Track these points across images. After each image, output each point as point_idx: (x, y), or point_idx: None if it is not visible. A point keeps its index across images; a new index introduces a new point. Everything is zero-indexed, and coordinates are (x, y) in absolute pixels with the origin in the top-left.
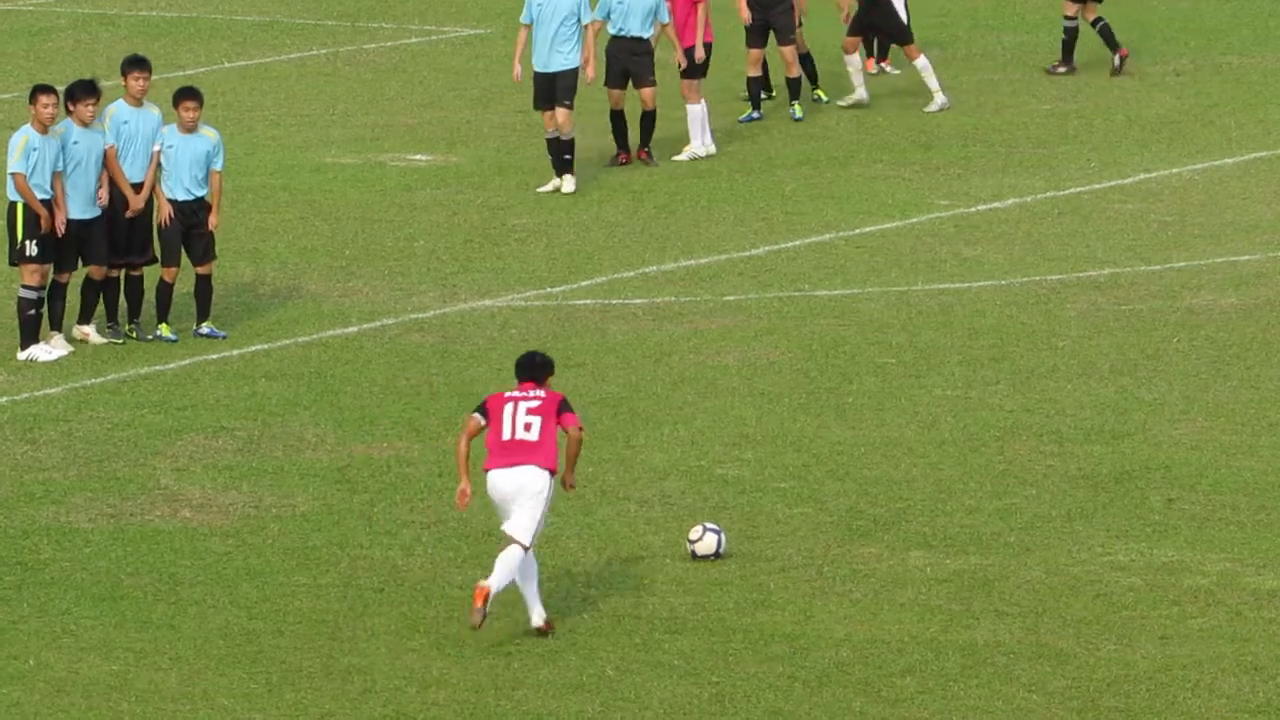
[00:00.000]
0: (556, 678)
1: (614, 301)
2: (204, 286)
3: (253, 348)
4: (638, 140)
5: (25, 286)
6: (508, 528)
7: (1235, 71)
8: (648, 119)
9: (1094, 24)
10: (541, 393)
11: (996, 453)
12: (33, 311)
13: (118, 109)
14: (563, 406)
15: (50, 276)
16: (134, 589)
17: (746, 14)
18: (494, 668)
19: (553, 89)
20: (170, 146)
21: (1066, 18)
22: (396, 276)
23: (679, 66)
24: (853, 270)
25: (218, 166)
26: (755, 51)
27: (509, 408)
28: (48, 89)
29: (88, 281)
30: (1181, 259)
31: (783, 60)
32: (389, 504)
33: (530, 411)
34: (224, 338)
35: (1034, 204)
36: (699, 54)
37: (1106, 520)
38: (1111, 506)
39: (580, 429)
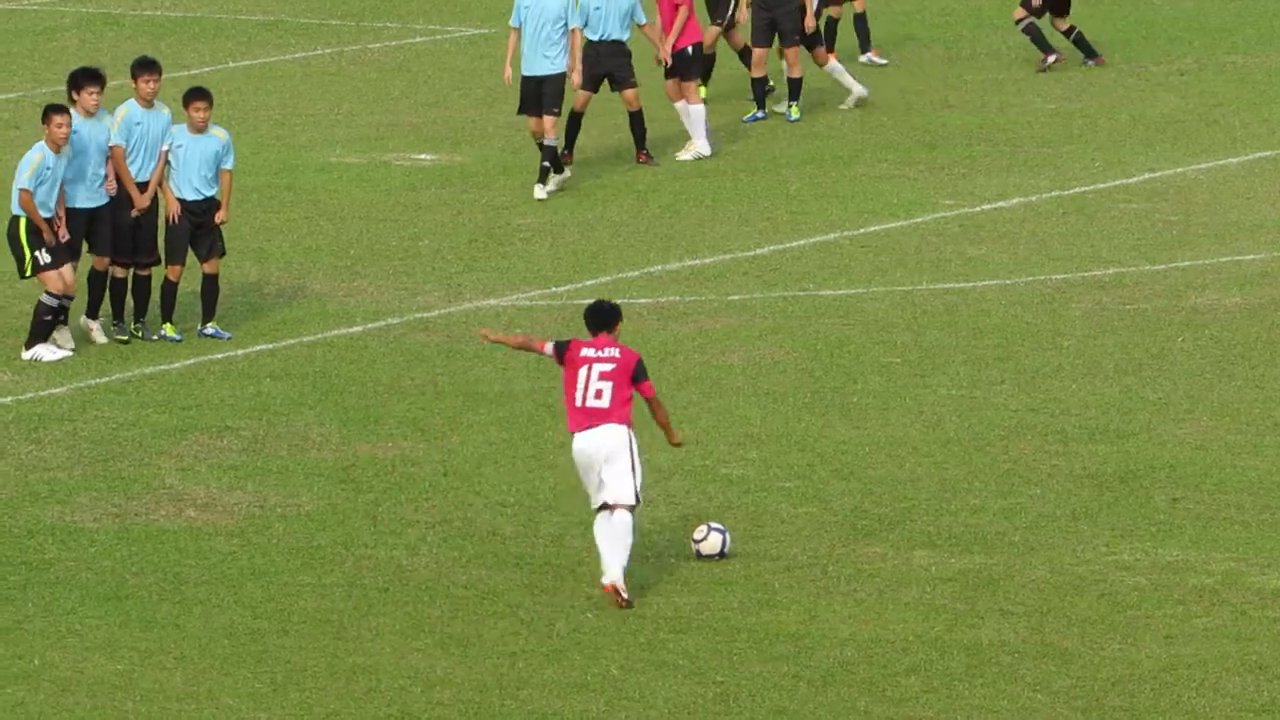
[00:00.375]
0: (561, 677)
1: (618, 301)
2: (210, 286)
3: (257, 347)
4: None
5: (48, 294)
6: (609, 496)
7: (1240, 71)
8: (636, 120)
9: (1068, 34)
10: (616, 351)
11: (1001, 452)
12: (49, 318)
13: (130, 110)
14: (638, 373)
15: (74, 285)
16: (139, 588)
17: (744, 14)
18: (498, 667)
19: (539, 94)
20: (179, 146)
21: (1017, 21)
22: (401, 276)
23: (665, 65)
24: (857, 270)
25: (228, 165)
26: (759, 51)
27: (583, 371)
28: (61, 109)
29: (93, 273)
30: (1186, 258)
31: (785, 61)
32: (394, 503)
33: (603, 376)
34: (228, 338)
35: (1039, 203)
36: (665, 55)
37: (1111, 520)
38: (1116, 506)
39: (652, 394)
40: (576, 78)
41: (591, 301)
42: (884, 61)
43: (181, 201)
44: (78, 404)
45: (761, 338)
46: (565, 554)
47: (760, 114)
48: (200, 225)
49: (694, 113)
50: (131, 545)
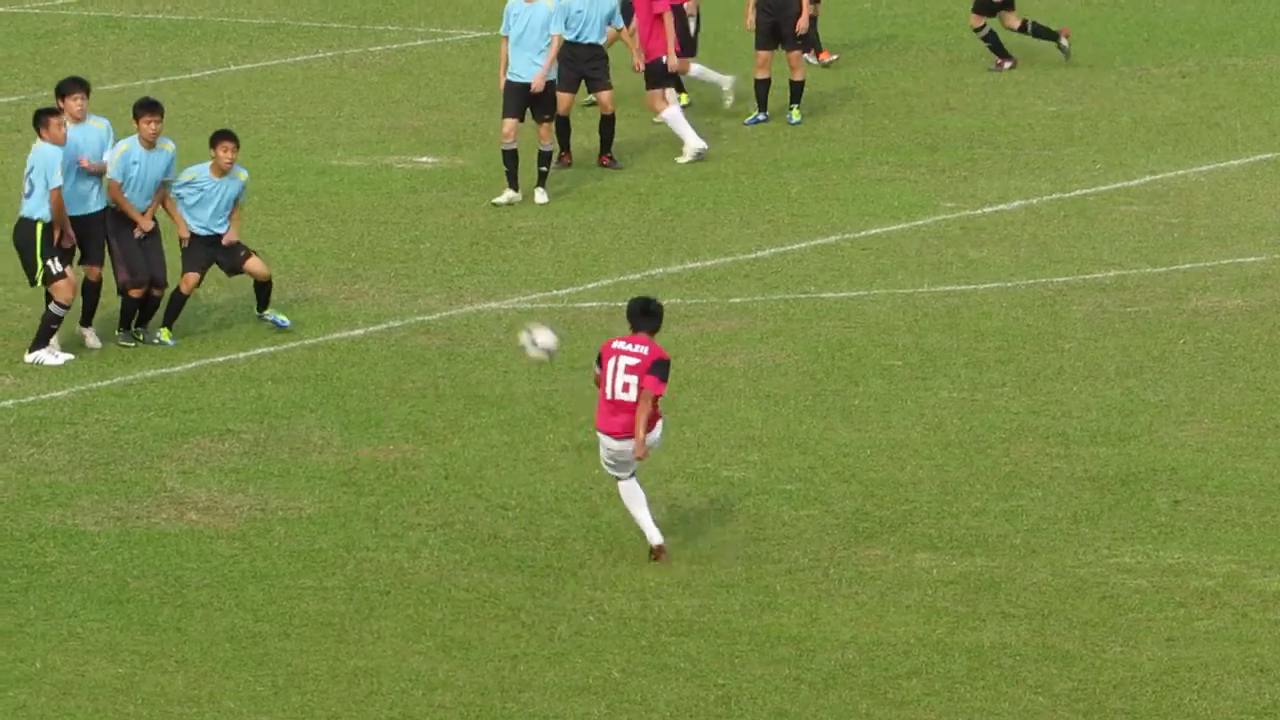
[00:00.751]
0: (562, 680)
1: (620, 304)
2: (264, 288)
3: (259, 350)
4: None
5: (58, 304)
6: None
7: (1241, 73)
8: (607, 123)
9: (1022, 29)
10: (645, 349)
11: (1002, 455)
12: (55, 326)
13: (130, 148)
14: (653, 368)
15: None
16: (140, 592)
17: (751, 18)
18: (500, 670)
19: (527, 100)
20: (202, 190)
21: (976, 29)
22: (402, 279)
23: (638, 70)
24: (859, 272)
25: (242, 200)
26: (763, 54)
27: (612, 362)
28: (54, 110)
29: (86, 283)
30: (1187, 261)
31: (788, 64)
32: (395, 506)
33: (629, 370)
34: (288, 326)
35: (1040, 206)
36: (672, 63)
37: (1112, 522)
38: (1117, 508)
39: (654, 393)
40: (539, 81)
41: (637, 297)
42: (834, 58)
43: (196, 235)
44: (79, 407)
45: (763, 340)
46: (567, 557)
47: (761, 116)
48: (221, 249)
49: (670, 116)
50: (133, 548)
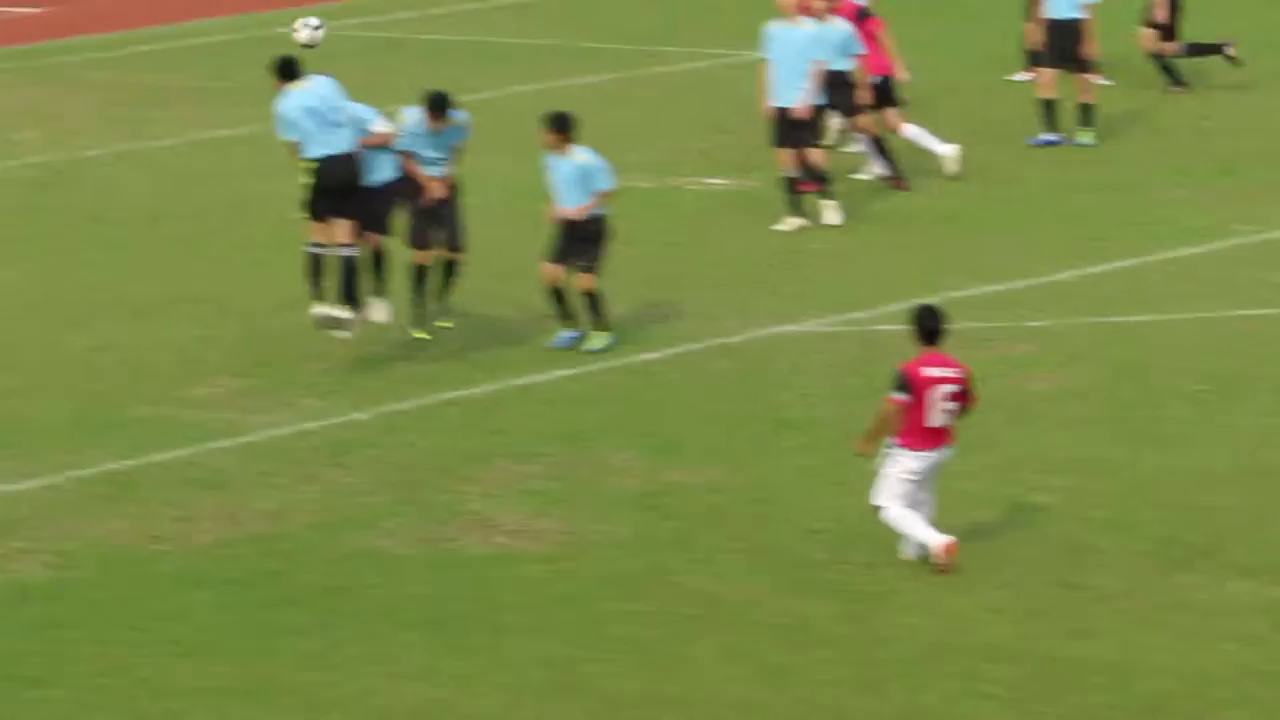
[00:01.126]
0: (881, 707)
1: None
2: (592, 300)
3: (557, 373)
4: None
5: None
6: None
7: None
8: (887, 145)
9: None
10: (955, 371)
11: None
12: (315, 269)
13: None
14: (970, 388)
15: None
16: (453, 615)
17: (1035, 39)
18: (817, 697)
19: (791, 126)
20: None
21: (1157, 56)
22: (697, 301)
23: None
24: (1157, 296)
25: (604, 187)
26: (1047, 72)
27: (931, 392)
28: None
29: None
30: None
31: (1076, 88)
32: (703, 531)
33: (949, 397)
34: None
35: None
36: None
37: None
38: None
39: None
40: (802, 107)
41: (921, 307)
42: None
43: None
44: (381, 429)
45: (1064, 364)
46: (879, 581)
47: (1052, 138)
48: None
49: (911, 134)
50: (442, 571)
